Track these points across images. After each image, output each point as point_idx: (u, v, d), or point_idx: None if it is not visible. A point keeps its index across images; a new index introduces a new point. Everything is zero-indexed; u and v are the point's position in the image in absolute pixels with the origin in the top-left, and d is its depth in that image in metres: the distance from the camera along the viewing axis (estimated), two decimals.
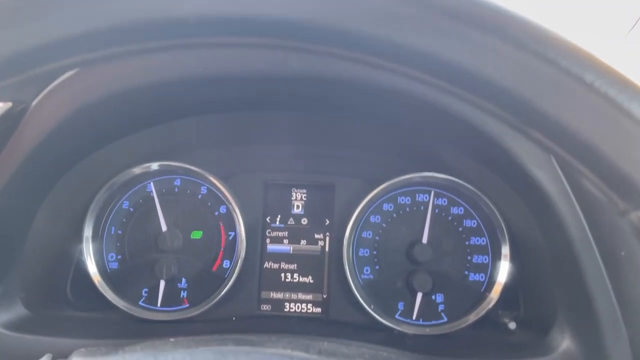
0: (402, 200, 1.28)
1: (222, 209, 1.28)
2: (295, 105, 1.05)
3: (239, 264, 1.24)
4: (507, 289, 1.19)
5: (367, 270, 1.26)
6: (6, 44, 0.46)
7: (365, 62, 0.52)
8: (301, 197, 1.33)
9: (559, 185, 0.86)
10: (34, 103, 0.87)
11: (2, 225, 0.97)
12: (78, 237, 1.21)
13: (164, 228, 1.26)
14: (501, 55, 0.50)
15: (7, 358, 1.01)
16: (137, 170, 1.23)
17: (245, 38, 0.50)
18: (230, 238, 1.28)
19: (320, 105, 1.03)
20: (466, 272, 1.24)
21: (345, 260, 1.23)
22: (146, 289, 1.26)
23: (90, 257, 1.22)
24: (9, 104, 0.85)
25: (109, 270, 1.26)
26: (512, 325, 1.14)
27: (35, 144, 0.90)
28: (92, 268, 1.22)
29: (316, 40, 0.49)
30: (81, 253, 1.21)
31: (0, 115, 0.84)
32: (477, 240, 1.25)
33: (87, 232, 1.22)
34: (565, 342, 0.99)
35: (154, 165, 1.24)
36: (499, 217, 1.19)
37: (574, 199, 0.89)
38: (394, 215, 1.27)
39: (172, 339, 0.85)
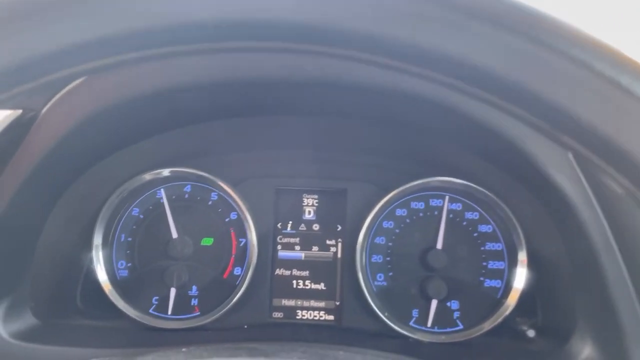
0: (416, 205, 1.25)
1: (233, 215, 1.27)
2: (308, 109, 1.03)
3: (250, 271, 1.22)
4: (524, 295, 1.16)
5: (380, 277, 1.24)
6: (17, 51, 0.44)
7: (386, 66, 0.50)
8: (312, 202, 1.31)
9: (580, 190, 0.83)
10: (43, 110, 0.86)
11: (12, 234, 0.96)
12: (88, 245, 1.20)
13: (174, 235, 1.24)
14: (527, 57, 0.48)
15: None
16: (147, 176, 1.22)
17: (263, 43, 0.48)
18: (241, 245, 1.26)
19: (333, 110, 1.01)
20: (482, 279, 1.22)
21: (359, 267, 1.21)
22: (156, 297, 1.24)
23: (100, 265, 1.21)
24: (19, 112, 0.84)
25: (118, 278, 1.25)
26: (531, 333, 1.11)
27: (45, 152, 0.89)
28: (102, 276, 1.21)
29: (337, 44, 0.47)
30: (91, 261, 1.20)
31: (10, 123, 0.83)
32: (493, 246, 1.22)
33: (97, 239, 1.21)
34: (586, 350, 0.96)
35: (165, 172, 1.23)
36: (515, 222, 1.17)
37: (596, 203, 0.87)
38: (407, 220, 1.25)
39: (184, 349, 0.83)
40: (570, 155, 0.81)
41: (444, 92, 0.75)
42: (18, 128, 0.84)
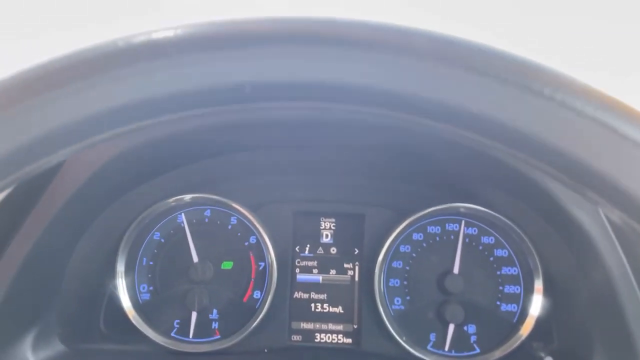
0: (432, 229, 1.27)
1: (252, 239, 1.29)
2: (326, 141, 1.06)
3: (270, 295, 1.24)
4: (540, 321, 1.18)
5: (398, 301, 1.26)
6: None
7: (411, 121, 0.52)
8: (330, 226, 1.33)
9: (600, 226, 0.85)
10: None
11: (42, 265, 0.99)
12: (111, 271, 1.23)
13: (195, 259, 1.27)
14: (550, 115, 0.50)
15: None
16: (170, 202, 1.25)
17: (293, 103, 0.51)
18: (260, 268, 1.28)
19: (351, 142, 1.04)
20: (498, 303, 1.24)
21: (376, 291, 1.23)
22: (178, 320, 1.26)
23: (124, 291, 1.23)
24: None
25: (141, 302, 1.27)
26: (548, 359, 1.12)
27: (76, 188, 0.91)
28: (125, 302, 1.23)
29: (371, 104, 0.49)
30: (115, 287, 1.23)
31: None
32: (509, 270, 1.24)
33: (120, 267, 1.23)
34: None
35: (186, 197, 1.25)
36: (530, 247, 1.18)
37: (613, 235, 0.88)
38: (424, 244, 1.27)
39: None
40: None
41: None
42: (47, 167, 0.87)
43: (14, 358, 1.00)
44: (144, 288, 1.28)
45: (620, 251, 0.89)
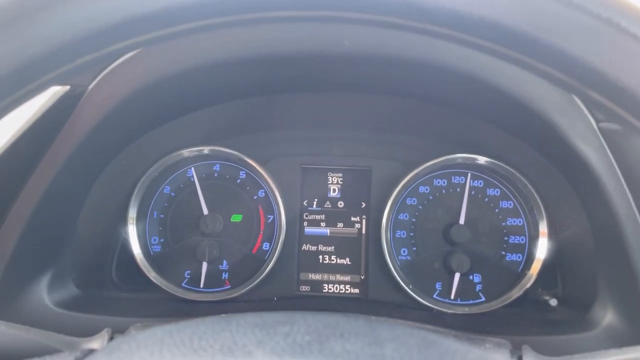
0: (438, 182, 1.29)
1: (261, 193, 1.31)
2: (335, 84, 1.07)
3: (278, 247, 1.27)
4: (545, 266, 1.20)
5: (404, 252, 1.28)
6: (65, 28, 0.48)
7: (420, 30, 0.53)
8: (337, 180, 1.35)
9: (605, 160, 0.87)
10: (90, 86, 0.90)
11: (57, 206, 1.01)
12: (123, 219, 1.25)
13: (205, 212, 1.29)
14: (545, 12, 0.51)
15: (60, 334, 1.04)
16: (178, 154, 1.26)
17: (308, 12, 0.52)
18: (269, 221, 1.31)
19: (363, 84, 1.05)
20: (503, 253, 1.26)
21: (383, 242, 1.25)
22: (189, 271, 1.29)
23: (135, 239, 1.26)
24: (67, 87, 0.89)
25: (152, 254, 1.30)
26: (553, 302, 1.15)
27: (91, 127, 0.93)
28: (136, 249, 1.26)
29: (379, 11, 0.51)
30: (127, 234, 1.25)
31: (59, 98, 0.87)
32: (514, 221, 1.26)
33: (132, 213, 1.25)
34: (607, 317, 1.00)
35: (195, 150, 1.27)
36: (536, 196, 1.20)
37: (620, 174, 0.90)
38: (430, 197, 1.29)
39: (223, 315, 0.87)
40: (595, 125, 0.84)
41: (472, 62, 0.79)
42: (67, 102, 0.89)
43: (30, 297, 1.02)
44: (155, 240, 1.30)
45: (627, 189, 0.91)
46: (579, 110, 0.84)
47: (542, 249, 1.20)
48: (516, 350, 0.70)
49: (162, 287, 1.25)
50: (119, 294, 1.24)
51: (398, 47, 0.79)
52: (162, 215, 1.31)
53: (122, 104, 0.92)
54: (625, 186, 0.89)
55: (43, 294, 1.04)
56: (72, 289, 1.12)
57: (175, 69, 0.88)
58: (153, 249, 1.30)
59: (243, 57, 0.84)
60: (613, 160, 0.88)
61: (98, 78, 0.89)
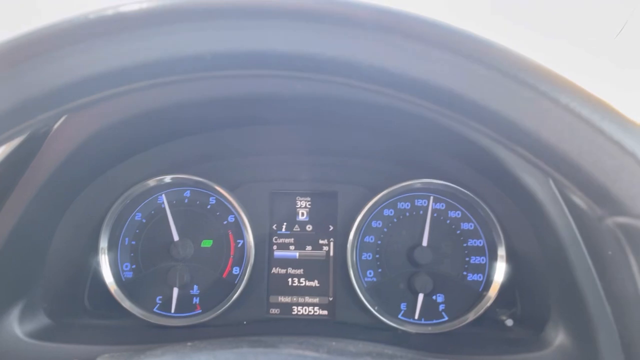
0: (402, 205, 1.34)
1: (231, 218, 1.35)
2: (298, 119, 1.11)
3: (248, 270, 1.30)
4: (504, 288, 1.25)
5: (370, 273, 1.32)
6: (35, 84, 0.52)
7: (365, 89, 0.58)
8: (306, 204, 1.39)
9: (548, 191, 0.92)
10: (55, 126, 0.93)
11: (26, 240, 1.03)
12: (94, 248, 1.27)
13: (175, 237, 1.32)
14: (489, 82, 0.56)
15: None
16: (149, 183, 1.30)
17: (257, 71, 0.56)
18: (239, 246, 1.34)
19: (323, 119, 1.09)
20: (465, 273, 1.31)
21: (350, 264, 1.29)
22: (160, 297, 1.31)
23: (106, 267, 1.28)
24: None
25: (124, 280, 1.32)
26: (509, 322, 1.20)
27: (57, 164, 0.96)
28: (108, 278, 1.28)
29: (326, 73, 0.55)
30: (98, 264, 1.28)
31: (24, 138, 0.90)
32: (475, 242, 1.31)
33: (103, 243, 1.28)
34: (559, 337, 1.05)
35: (166, 178, 1.30)
36: (494, 219, 1.25)
37: (563, 204, 0.95)
38: (395, 220, 1.34)
39: (189, 343, 0.91)
40: None
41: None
42: (33, 141, 0.91)
43: (1, 329, 1.04)
44: (126, 266, 1.33)
45: (570, 217, 0.96)
46: None
47: (500, 271, 1.25)
48: None
49: (134, 313, 1.27)
50: (91, 321, 1.26)
51: (347, 89, 0.84)
52: (133, 242, 1.34)
53: (88, 141, 0.95)
54: (569, 216, 0.94)
55: (14, 325, 1.06)
56: (44, 319, 1.14)
57: (138, 110, 0.91)
58: (125, 275, 1.33)
59: (199, 99, 0.88)
60: (555, 191, 0.93)
61: (63, 118, 0.92)
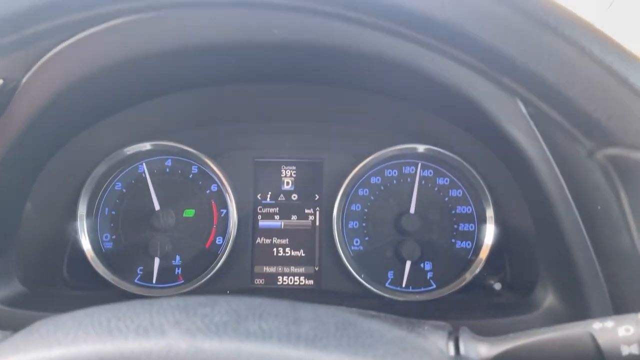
0: (390, 173, 1.31)
1: (214, 187, 1.31)
2: (281, 76, 1.08)
3: (231, 240, 1.27)
4: (492, 252, 1.22)
5: (357, 242, 1.30)
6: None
7: (349, 19, 0.55)
8: (291, 173, 1.36)
9: (536, 144, 0.88)
10: (24, 80, 0.89)
11: None
12: (73, 216, 1.23)
13: (156, 207, 1.28)
14: (481, 12, 0.54)
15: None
16: (129, 150, 1.26)
17: None
18: (222, 215, 1.31)
19: (305, 77, 1.06)
20: (453, 240, 1.28)
21: (336, 233, 1.26)
22: (141, 267, 1.28)
23: (85, 235, 1.24)
24: (0, 82, 0.87)
25: (104, 250, 1.29)
26: (497, 286, 1.17)
27: (28, 122, 0.92)
28: (86, 245, 1.25)
29: None
30: (76, 231, 1.24)
31: None
32: (463, 209, 1.28)
33: (82, 210, 1.24)
34: (548, 299, 1.02)
35: (146, 145, 1.26)
36: (482, 184, 1.23)
37: (550, 157, 0.92)
38: (382, 187, 1.31)
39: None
40: (524, 110, 0.86)
41: (402, 50, 0.81)
42: (0, 97, 0.87)
43: None
44: (106, 237, 1.29)
45: (559, 173, 0.93)
46: (507, 95, 0.86)
47: (490, 234, 1.22)
48: (454, 332, 0.72)
49: (114, 284, 1.24)
50: (70, 292, 1.23)
51: (326, 35, 0.80)
52: (113, 212, 1.30)
53: (59, 96, 0.90)
54: (557, 169, 0.91)
55: None
56: (18, 287, 1.10)
57: (112, 60, 0.87)
58: (105, 246, 1.29)
59: (179, 47, 0.84)
60: (544, 144, 0.90)
61: (32, 70, 0.88)
